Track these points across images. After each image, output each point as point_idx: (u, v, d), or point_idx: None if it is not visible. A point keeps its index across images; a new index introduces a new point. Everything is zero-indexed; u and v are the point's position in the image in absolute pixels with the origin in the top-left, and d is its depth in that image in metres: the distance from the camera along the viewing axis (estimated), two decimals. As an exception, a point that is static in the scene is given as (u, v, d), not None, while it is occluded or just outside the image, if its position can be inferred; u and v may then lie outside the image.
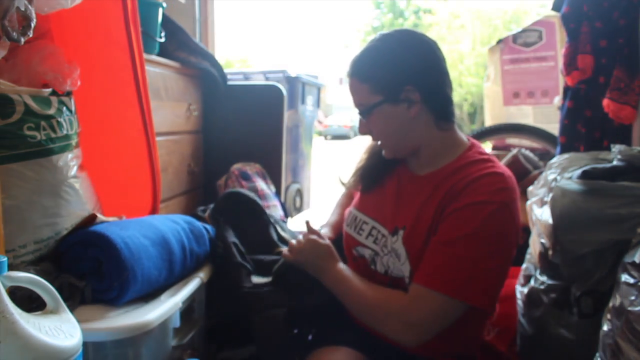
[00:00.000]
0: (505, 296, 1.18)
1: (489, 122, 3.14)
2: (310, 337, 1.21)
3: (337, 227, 1.33)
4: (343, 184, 1.27)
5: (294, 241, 1.16)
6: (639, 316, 0.77)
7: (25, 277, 0.64)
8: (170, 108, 1.67)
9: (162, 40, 1.64)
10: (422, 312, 0.93)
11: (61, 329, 0.64)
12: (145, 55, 1.33)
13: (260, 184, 1.85)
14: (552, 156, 1.50)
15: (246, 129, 2.00)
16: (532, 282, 1.21)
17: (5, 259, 0.61)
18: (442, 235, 0.95)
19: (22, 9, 0.75)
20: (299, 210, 3.51)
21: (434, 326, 0.94)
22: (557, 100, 2.45)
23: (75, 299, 0.86)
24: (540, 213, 1.19)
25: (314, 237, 1.14)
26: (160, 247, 1.00)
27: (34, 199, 0.86)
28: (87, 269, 0.90)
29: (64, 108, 0.94)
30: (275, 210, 1.81)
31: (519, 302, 1.25)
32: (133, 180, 1.33)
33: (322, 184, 5.26)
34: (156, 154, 1.37)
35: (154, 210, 1.40)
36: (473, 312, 0.96)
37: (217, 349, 1.25)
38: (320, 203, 4.17)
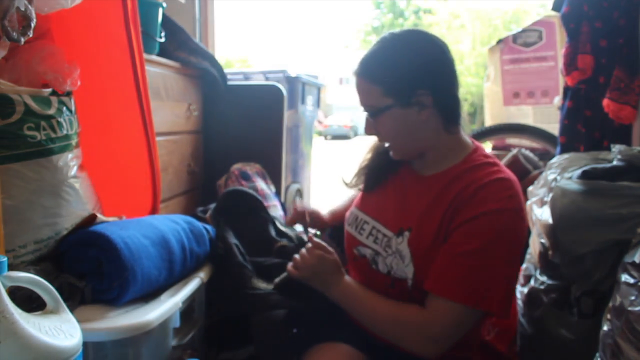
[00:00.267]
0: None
1: (489, 122, 3.14)
2: (308, 337, 1.22)
3: (338, 215, 1.33)
4: (346, 183, 1.27)
5: (297, 256, 1.12)
6: (639, 316, 0.77)
7: (25, 277, 0.64)
8: (170, 108, 1.67)
9: (162, 40, 1.64)
10: (445, 325, 0.93)
11: (61, 329, 0.64)
12: (145, 55, 1.33)
13: (260, 184, 1.85)
14: (552, 156, 1.50)
15: (246, 129, 2.00)
16: (532, 282, 1.21)
17: (5, 259, 0.61)
18: (458, 245, 0.95)
19: (22, 9, 0.75)
20: (299, 210, 3.50)
21: (455, 337, 0.95)
22: (557, 100, 2.46)
23: (75, 299, 0.86)
24: (540, 213, 1.19)
25: (319, 251, 1.10)
26: (160, 247, 1.00)
27: (34, 199, 0.86)
28: (87, 269, 0.90)
29: (64, 108, 0.94)
30: (275, 210, 1.81)
31: (519, 302, 1.25)
32: (133, 180, 1.33)
33: (322, 184, 5.26)
34: (156, 154, 1.37)
35: (154, 210, 1.40)
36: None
37: (217, 349, 1.25)
38: (320, 203, 4.17)
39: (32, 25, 0.77)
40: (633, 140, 1.53)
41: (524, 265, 1.31)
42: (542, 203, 1.21)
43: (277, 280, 1.16)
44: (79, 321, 0.69)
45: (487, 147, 2.89)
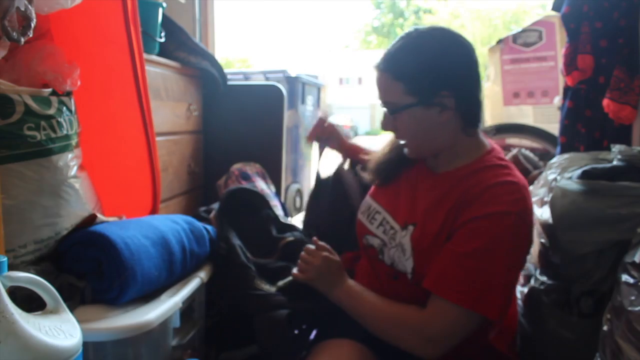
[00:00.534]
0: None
1: (489, 122, 3.15)
2: (312, 336, 1.22)
3: (356, 150, 1.41)
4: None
5: (301, 260, 1.13)
6: (639, 316, 0.77)
7: (25, 277, 0.64)
8: (171, 108, 1.67)
9: (162, 40, 1.64)
10: (443, 326, 0.93)
11: (61, 329, 0.64)
12: (145, 55, 1.32)
13: (260, 184, 1.85)
14: (552, 156, 1.50)
15: (246, 129, 2.00)
16: (532, 282, 1.21)
17: (5, 259, 0.61)
18: (461, 245, 0.94)
19: (22, 9, 0.75)
20: (299, 210, 3.51)
21: (454, 339, 0.94)
22: (557, 100, 2.46)
23: (75, 299, 0.86)
24: (540, 213, 1.19)
25: (325, 253, 1.11)
26: (160, 247, 1.00)
27: (34, 199, 0.86)
28: (87, 269, 0.90)
29: (64, 108, 0.94)
30: (275, 210, 1.81)
31: (519, 302, 1.25)
32: (133, 180, 1.33)
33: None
34: (156, 154, 1.37)
35: (154, 210, 1.40)
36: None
37: (217, 349, 1.25)
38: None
39: (32, 25, 0.77)
40: (633, 140, 1.53)
41: (524, 265, 1.31)
42: (542, 203, 1.21)
43: (280, 283, 1.16)
44: (79, 321, 0.69)
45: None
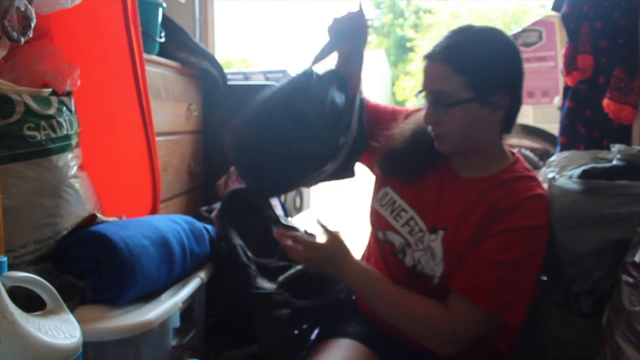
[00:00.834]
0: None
1: (489, 122, 3.14)
2: (313, 336, 1.22)
3: None
4: (382, 168, 1.15)
5: (301, 246, 1.05)
6: (639, 316, 0.77)
7: (25, 277, 0.64)
8: (171, 108, 1.67)
9: (162, 40, 1.64)
10: (468, 329, 0.95)
11: (61, 329, 0.64)
12: (145, 55, 1.33)
13: (260, 184, 1.85)
14: (552, 156, 1.50)
15: (246, 129, 1.99)
16: (532, 282, 1.21)
17: (5, 259, 0.61)
18: (493, 253, 0.95)
19: (22, 9, 0.75)
20: (299, 210, 3.50)
21: (473, 340, 0.97)
22: (557, 100, 2.45)
23: (75, 299, 0.86)
24: (540, 213, 1.18)
25: (335, 232, 1.07)
26: (160, 247, 1.00)
27: (34, 199, 0.86)
28: (87, 268, 0.90)
29: (64, 108, 0.94)
30: (275, 210, 1.81)
31: (519, 302, 1.25)
32: (133, 180, 1.33)
33: (321, 183, 5.25)
34: (156, 154, 1.37)
35: (154, 210, 1.40)
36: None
37: (217, 349, 1.25)
38: (320, 203, 4.17)
39: (32, 25, 0.77)
40: (633, 140, 1.53)
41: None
42: (542, 203, 1.21)
43: (280, 278, 1.16)
44: (79, 321, 0.69)
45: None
